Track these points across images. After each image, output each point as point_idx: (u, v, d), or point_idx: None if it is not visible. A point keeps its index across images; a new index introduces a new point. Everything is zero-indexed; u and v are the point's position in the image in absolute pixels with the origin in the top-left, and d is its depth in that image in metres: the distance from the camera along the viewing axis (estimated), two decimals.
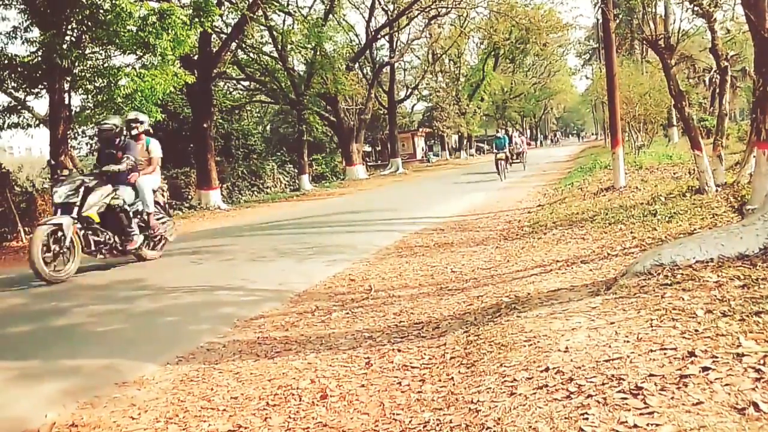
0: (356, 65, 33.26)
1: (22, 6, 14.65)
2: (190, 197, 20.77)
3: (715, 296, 3.45)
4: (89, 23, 13.77)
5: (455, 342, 3.94)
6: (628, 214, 7.47)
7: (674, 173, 12.01)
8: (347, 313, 5.08)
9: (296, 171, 28.14)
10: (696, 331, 2.96)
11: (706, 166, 8.35)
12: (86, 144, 25.58)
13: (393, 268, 6.72)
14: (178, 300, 6.09)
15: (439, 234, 8.86)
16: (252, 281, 6.69)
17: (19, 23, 14.94)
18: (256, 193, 25.31)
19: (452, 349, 3.81)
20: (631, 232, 6.44)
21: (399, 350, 3.98)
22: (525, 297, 4.63)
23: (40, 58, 14.11)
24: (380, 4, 32.85)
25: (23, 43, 14.83)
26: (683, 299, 3.53)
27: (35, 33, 14.74)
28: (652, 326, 3.16)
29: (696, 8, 8.71)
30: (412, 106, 55.65)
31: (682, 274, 3.97)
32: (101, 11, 13.15)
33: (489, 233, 8.48)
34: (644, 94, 17.87)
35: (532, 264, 5.94)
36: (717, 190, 8.12)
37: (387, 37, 35.75)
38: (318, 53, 26.64)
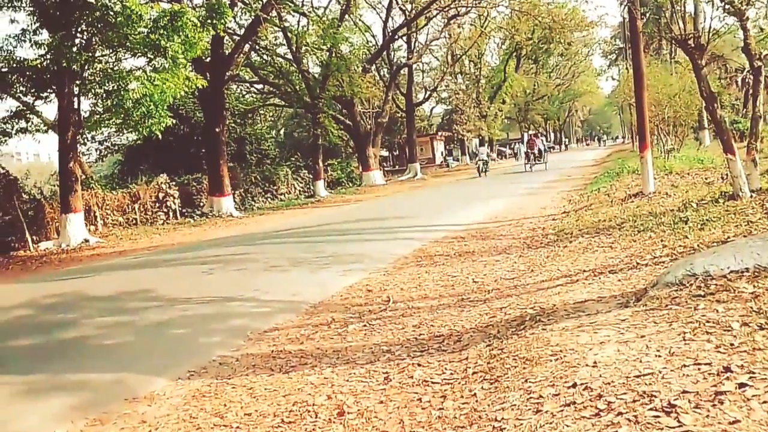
0: (373, 67, 32.83)
1: (31, 8, 14.58)
2: (201, 204, 20.57)
3: (752, 308, 3.32)
4: (99, 25, 13.71)
5: (478, 356, 3.83)
6: (658, 222, 7.23)
7: (706, 178, 11.67)
8: (364, 326, 4.98)
9: (311, 177, 27.86)
10: (731, 345, 2.85)
11: (740, 170, 8.05)
12: (95, 150, 25.49)
13: (412, 278, 6.59)
14: (188, 311, 6.03)
15: (459, 242, 8.70)
16: (265, 292, 6.61)
17: (28, 26, 14.87)
18: (269, 199, 25.02)
19: (475, 364, 3.70)
20: (662, 240, 6.22)
21: (419, 365, 3.87)
22: (550, 309, 4.47)
23: (48, 61, 14.04)
24: (398, 3, 32.29)
25: (32, 46, 14.72)
26: (717, 311, 3.40)
27: (44, 36, 14.69)
28: (684, 340, 3.05)
29: (727, 6, 8.44)
30: (431, 109, 55.08)
31: (716, 284, 3.81)
32: (111, 13, 13.06)
33: (512, 241, 8.30)
34: (674, 95, 17.48)
35: (558, 274, 5.77)
36: (752, 196, 7.82)
37: (405, 38, 35.28)
38: (333, 55, 26.40)
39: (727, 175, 9.03)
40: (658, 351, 2.96)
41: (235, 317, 5.69)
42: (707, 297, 3.68)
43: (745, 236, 5.64)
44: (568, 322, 3.94)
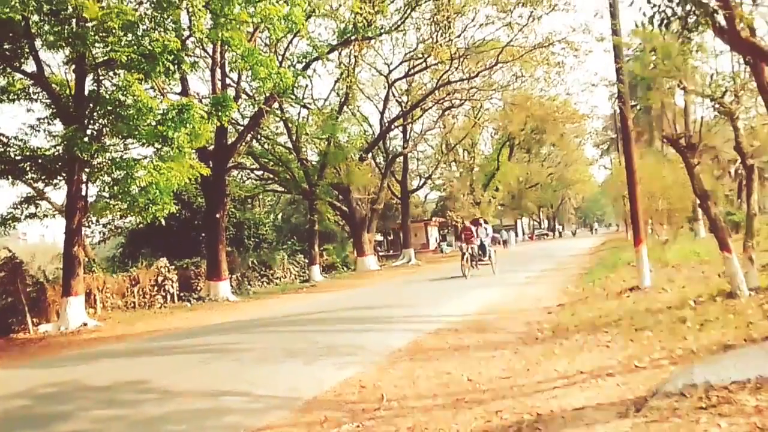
0: (369, 155, 33.29)
1: (48, 101, 15.14)
2: (199, 288, 20.41)
3: (756, 424, 3.22)
4: (111, 117, 14.15)
5: None
6: (656, 320, 7.13)
7: (703, 272, 11.62)
8: (357, 426, 4.78)
9: (306, 261, 27.67)
10: None
11: (737, 268, 8.01)
12: (99, 232, 25.23)
13: (406, 374, 6.39)
14: (183, 406, 5.83)
15: (454, 335, 8.50)
16: (259, 385, 6.39)
17: (43, 117, 15.45)
18: (265, 283, 24.73)
19: None
20: (660, 341, 6.10)
21: None
22: (548, 415, 4.31)
23: (60, 151, 14.40)
24: (394, 96, 33.16)
25: (46, 136, 15.27)
26: (720, 426, 3.28)
27: (58, 127, 15.15)
28: None
29: (717, 106, 8.64)
30: (426, 196, 55.48)
31: (718, 396, 3.70)
32: (123, 106, 13.53)
33: (507, 336, 8.11)
34: (667, 188, 17.66)
35: (554, 375, 5.61)
36: (750, 295, 7.75)
37: (401, 128, 35.93)
38: (332, 144, 27.06)
39: (724, 270, 8.99)
40: None
41: (229, 413, 5.48)
42: (709, 409, 3.56)
43: (745, 340, 5.55)
44: None
